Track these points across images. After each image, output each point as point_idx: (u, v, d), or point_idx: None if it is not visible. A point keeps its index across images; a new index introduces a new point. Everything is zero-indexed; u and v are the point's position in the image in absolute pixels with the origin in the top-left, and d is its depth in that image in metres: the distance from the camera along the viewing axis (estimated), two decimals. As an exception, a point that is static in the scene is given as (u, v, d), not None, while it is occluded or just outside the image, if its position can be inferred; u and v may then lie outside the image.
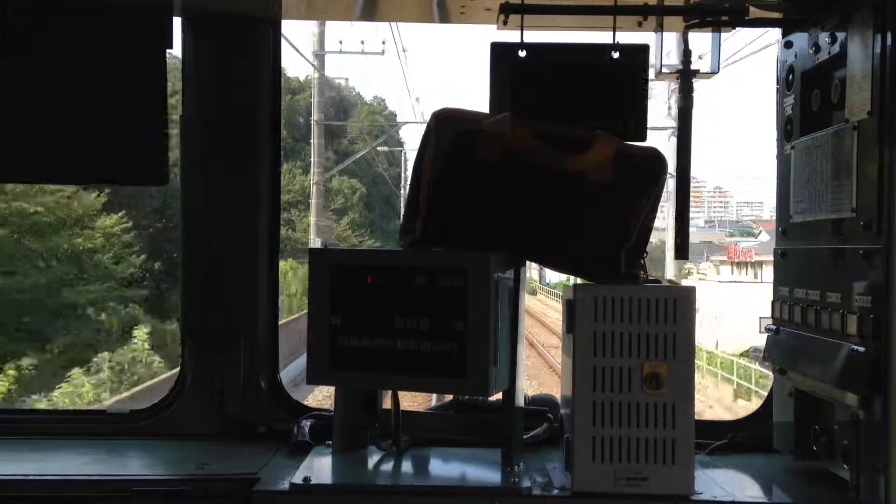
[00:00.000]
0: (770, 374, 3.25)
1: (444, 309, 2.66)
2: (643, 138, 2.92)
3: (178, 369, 3.45)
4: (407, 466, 2.88)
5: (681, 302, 2.62)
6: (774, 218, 3.27)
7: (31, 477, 2.85)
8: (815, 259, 2.82)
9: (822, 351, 2.68)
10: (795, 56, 3.04)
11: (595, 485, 2.62)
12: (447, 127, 2.83)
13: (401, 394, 2.98)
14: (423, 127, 2.92)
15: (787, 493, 2.78)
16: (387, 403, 3.02)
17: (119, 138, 3.14)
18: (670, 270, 27.45)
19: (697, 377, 6.41)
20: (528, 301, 3.84)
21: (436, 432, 3.11)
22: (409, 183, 3.10)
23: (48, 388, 19.28)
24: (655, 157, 2.79)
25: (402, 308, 2.70)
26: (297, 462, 2.88)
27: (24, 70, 3.10)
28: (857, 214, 2.58)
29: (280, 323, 3.54)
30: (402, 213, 2.99)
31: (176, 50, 3.21)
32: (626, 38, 3.01)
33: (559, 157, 2.75)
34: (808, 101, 2.96)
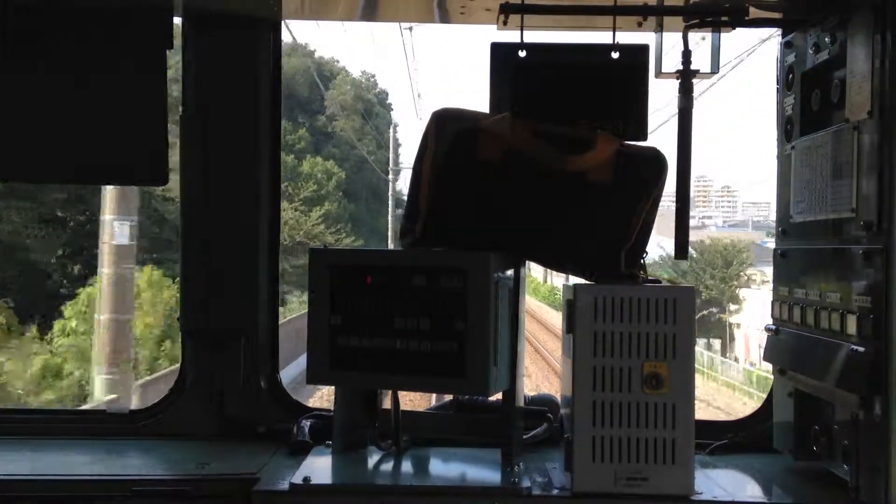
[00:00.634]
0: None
1: (444, 309, 2.66)
2: (643, 138, 2.93)
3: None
4: (407, 466, 2.88)
5: (681, 302, 2.62)
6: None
7: (30, 477, 2.85)
8: (815, 259, 2.82)
9: (821, 351, 2.68)
10: (795, 56, 3.05)
11: (595, 485, 2.61)
12: (447, 127, 2.83)
13: (401, 394, 2.98)
14: (423, 126, 2.93)
15: (787, 493, 2.78)
16: (387, 403, 3.02)
17: (119, 138, 3.15)
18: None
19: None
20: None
21: (436, 432, 3.11)
22: (408, 183, 3.10)
23: None
24: (655, 157, 2.79)
25: (402, 308, 2.70)
26: (297, 462, 2.88)
27: (24, 70, 3.11)
28: (856, 214, 2.58)
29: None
30: (403, 212, 2.99)
31: (176, 50, 3.21)
32: (626, 38, 3.01)
33: (559, 157, 2.75)
34: (808, 102, 2.96)
